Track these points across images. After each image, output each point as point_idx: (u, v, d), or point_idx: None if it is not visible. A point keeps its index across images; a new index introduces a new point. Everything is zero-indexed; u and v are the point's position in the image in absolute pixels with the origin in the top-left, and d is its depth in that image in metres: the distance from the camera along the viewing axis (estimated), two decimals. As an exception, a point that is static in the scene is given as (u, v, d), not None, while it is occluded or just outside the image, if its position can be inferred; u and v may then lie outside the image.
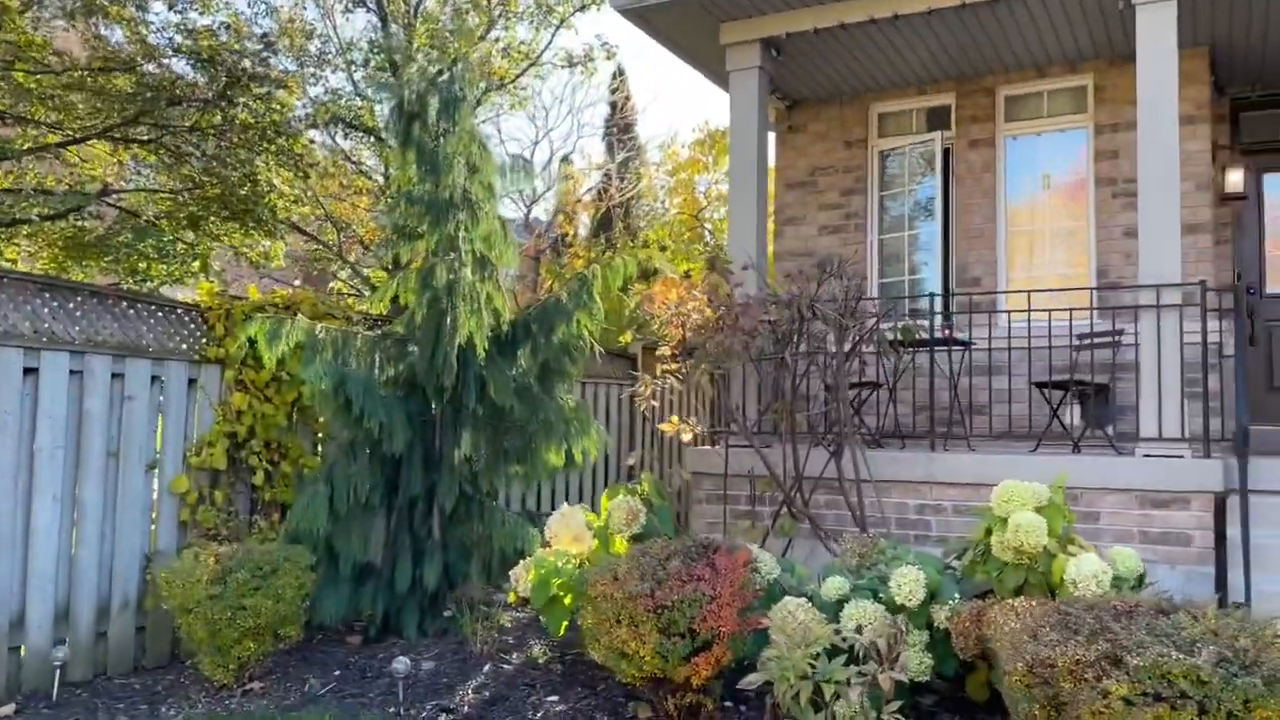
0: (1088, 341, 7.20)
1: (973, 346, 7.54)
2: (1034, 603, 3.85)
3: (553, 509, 8.01)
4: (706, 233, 14.09)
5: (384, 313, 6.32)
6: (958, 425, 7.56)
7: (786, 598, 4.33)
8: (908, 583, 4.12)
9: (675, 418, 6.63)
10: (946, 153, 8.62)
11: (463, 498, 5.83)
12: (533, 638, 5.73)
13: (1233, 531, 5.71)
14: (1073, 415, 7.70)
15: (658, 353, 7.13)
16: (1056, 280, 8.16)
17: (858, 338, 6.11)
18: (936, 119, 8.83)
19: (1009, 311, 7.44)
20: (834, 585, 4.40)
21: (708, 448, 7.36)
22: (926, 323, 6.87)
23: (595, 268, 6.28)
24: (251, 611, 4.75)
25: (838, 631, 4.10)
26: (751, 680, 3.72)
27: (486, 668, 5.17)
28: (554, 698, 4.78)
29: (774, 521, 6.57)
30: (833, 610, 4.34)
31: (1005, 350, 7.08)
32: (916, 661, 4.04)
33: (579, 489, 8.34)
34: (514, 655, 5.41)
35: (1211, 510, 5.94)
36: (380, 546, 5.89)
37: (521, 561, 5.20)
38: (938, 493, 6.61)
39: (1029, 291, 6.84)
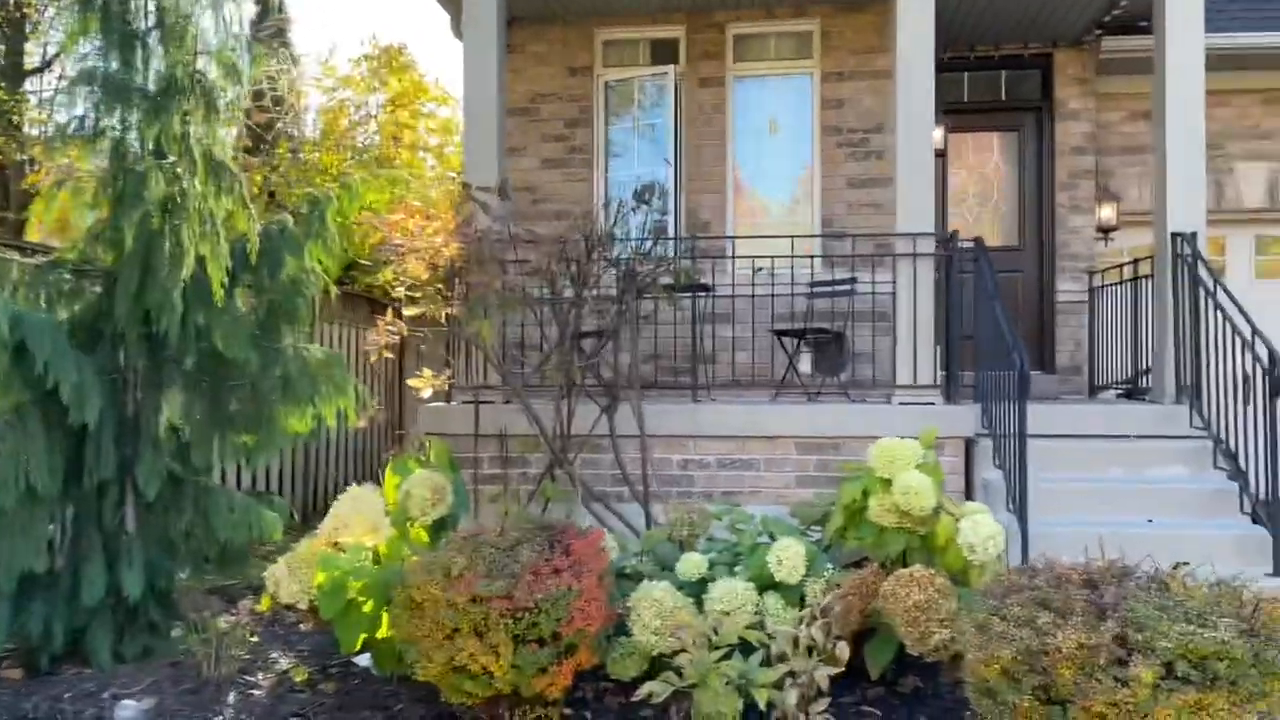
0: (823, 290, 7.21)
1: (714, 293, 7.28)
2: (930, 572, 3.57)
3: (254, 486, 6.71)
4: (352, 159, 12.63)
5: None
6: (684, 375, 7.29)
7: (647, 583, 3.71)
8: (789, 556, 3.66)
9: (428, 371, 5.66)
10: (677, 89, 8.23)
11: (170, 479, 4.51)
12: (275, 651, 4.60)
13: (988, 475, 5.93)
14: (809, 363, 7.74)
15: (396, 293, 6.08)
16: (781, 228, 8.11)
17: (647, 281, 5.53)
18: (665, 52, 8.38)
19: (741, 258, 7.28)
20: (694, 563, 3.84)
21: (443, 404, 6.44)
22: (689, 266, 6.42)
23: (331, 189, 5.14)
24: (-117, 663, 3.25)
25: (704, 611, 3.55)
26: (654, 689, 3.06)
27: (231, 698, 4.01)
28: (340, 728, 3.78)
29: (539, 485, 5.86)
30: (693, 590, 3.79)
31: (737, 298, 6.87)
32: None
33: (289, 460, 7.09)
34: (259, 676, 4.27)
35: (963, 454, 6.15)
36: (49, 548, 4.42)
37: (282, 559, 4.06)
38: (702, 447, 6.28)
39: (793, 237, 6.67)
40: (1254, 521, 5.46)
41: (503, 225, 5.74)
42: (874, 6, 7.93)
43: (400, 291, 5.95)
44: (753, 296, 6.92)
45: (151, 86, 4.16)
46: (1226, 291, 5.71)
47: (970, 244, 6.52)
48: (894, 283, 6.30)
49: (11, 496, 3.91)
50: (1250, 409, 5.49)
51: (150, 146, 4.14)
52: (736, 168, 8.26)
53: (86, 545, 4.30)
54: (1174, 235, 6.34)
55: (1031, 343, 9.22)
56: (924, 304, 6.24)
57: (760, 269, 7.17)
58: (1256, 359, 5.31)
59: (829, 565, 3.80)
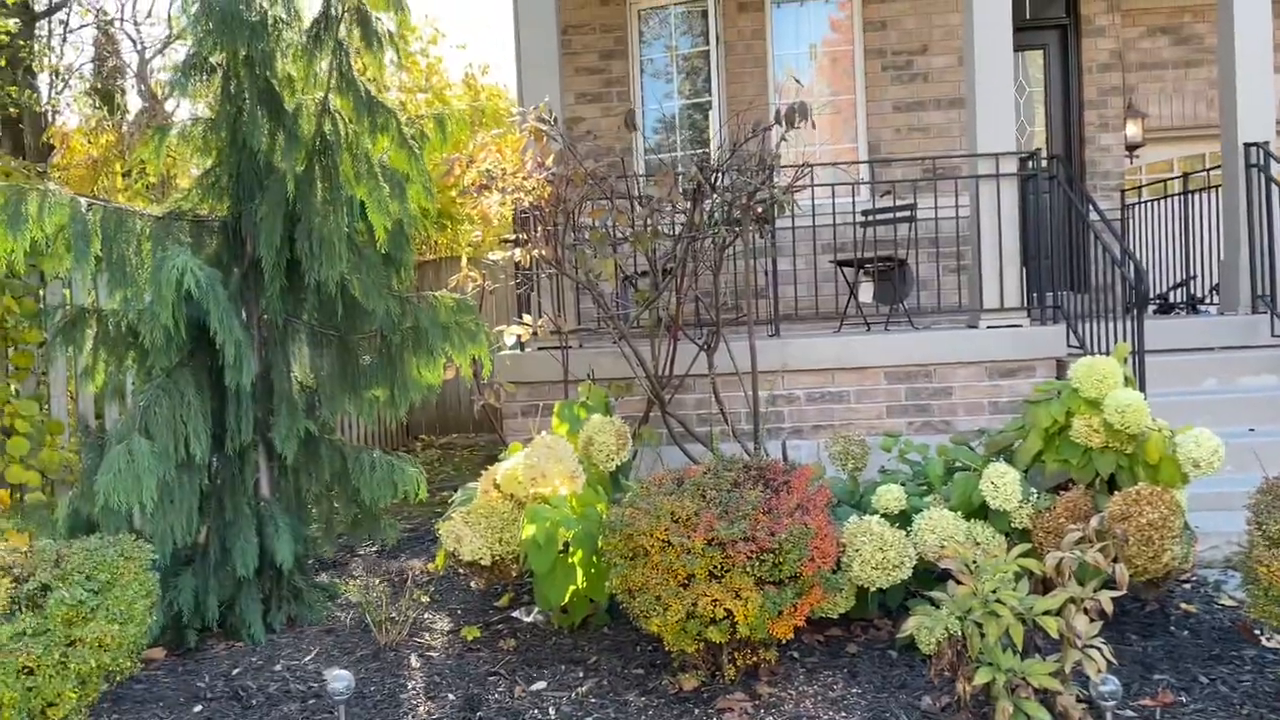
0: (882, 218, 7.10)
1: (775, 226, 7.13)
2: (1159, 489, 3.53)
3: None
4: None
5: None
6: (739, 311, 7.17)
7: (857, 516, 3.62)
8: (1006, 483, 3.60)
9: (528, 317, 5.44)
10: (715, 16, 7.98)
11: (308, 439, 4.27)
12: (427, 612, 4.42)
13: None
14: (869, 294, 7.67)
15: (468, 239, 5.82)
16: (825, 157, 7.99)
17: (761, 210, 5.36)
18: (699, -22, 8.13)
19: (801, 188, 7.12)
20: (893, 496, 3.77)
21: (519, 352, 6.24)
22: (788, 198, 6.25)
23: (427, 116, 4.82)
24: (93, 646, 3.02)
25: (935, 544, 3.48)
26: (924, 624, 2.98)
27: (414, 661, 3.84)
28: (546, 683, 3.64)
29: (636, 428, 5.72)
30: (894, 523, 3.72)
31: (797, 229, 6.72)
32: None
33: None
34: (435, 638, 4.10)
35: (1054, 375, 6.17)
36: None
37: (457, 514, 3.86)
38: (790, 381, 6.20)
39: (871, 162, 6.53)
40: (1350, 425, 5.58)
41: (595, 161, 5.51)
42: (916, -76, 7.77)
43: (471, 239, 5.71)
44: (814, 227, 6.76)
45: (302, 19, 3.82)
46: (1316, 198, 5.77)
47: (1047, 161, 6.48)
48: (975, 205, 6.23)
49: (171, 464, 3.65)
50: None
51: (304, 78, 3.81)
52: (779, 96, 8.07)
53: (233, 513, 4.06)
54: (1247, 145, 6.36)
55: (1064, 263, 9.31)
56: (1008, 225, 6.19)
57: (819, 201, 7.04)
58: (1363, 264, 5.39)
59: (1032, 491, 3.76)
